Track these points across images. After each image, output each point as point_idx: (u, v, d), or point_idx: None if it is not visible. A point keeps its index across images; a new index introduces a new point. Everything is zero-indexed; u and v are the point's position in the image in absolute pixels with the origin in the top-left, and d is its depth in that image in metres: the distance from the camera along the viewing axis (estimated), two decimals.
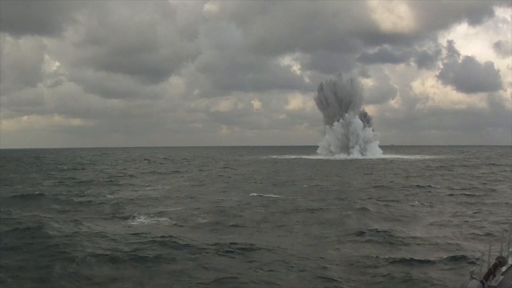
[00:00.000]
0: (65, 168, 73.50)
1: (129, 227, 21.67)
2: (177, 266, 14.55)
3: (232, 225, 21.91)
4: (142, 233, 19.01)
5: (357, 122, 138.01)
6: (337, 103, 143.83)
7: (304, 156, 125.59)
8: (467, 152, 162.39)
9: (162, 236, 17.95)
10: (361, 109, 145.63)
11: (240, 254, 16.08)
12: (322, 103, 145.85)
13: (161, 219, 23.58)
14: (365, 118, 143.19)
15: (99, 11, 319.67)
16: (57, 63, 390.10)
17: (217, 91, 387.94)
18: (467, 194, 32.84)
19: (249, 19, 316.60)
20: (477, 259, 6.80)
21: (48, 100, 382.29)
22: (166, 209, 26.71)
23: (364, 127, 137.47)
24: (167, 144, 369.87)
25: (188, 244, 16.98)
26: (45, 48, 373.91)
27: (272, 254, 16.12)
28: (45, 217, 23.09)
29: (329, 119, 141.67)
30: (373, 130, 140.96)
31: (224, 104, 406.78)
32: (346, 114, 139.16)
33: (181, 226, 21.87)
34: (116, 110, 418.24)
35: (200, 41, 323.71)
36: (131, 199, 31.52)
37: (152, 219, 23.64)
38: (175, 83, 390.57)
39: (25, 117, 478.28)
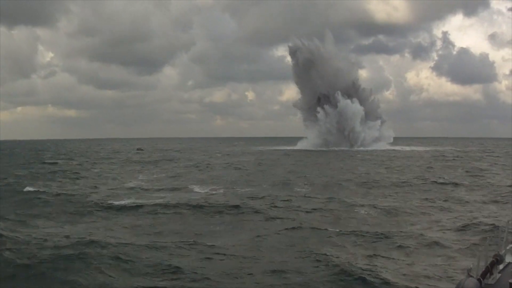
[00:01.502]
0: (49, 158, 71.42)
1: (86, 223, 19.79)
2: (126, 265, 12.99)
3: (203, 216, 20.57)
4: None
5: (356, 109, 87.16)
6: (319, 79, 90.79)
7: (297, 148, 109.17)
8: (457, 144, 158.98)
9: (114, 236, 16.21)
10: (359, 88, 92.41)
11: (205, 249, 14.89)
12: (299, 77, 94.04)
13: (125, 212, 21.97)
14: (367, 103, 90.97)
15: (93, 1, 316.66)
16: (51, 54, 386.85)
17: (211, 81, 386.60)
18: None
19: (243, 10, 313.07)
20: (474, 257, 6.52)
21: (42, 91, 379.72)
22: (136, 201, 25.14)
23: (366, 119, 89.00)
24: (161, 135, 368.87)
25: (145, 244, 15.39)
26: (39, 38, 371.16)
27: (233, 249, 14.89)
28: None
29: (309, 106, 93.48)
30: (380, 124, 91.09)
31: (218, 95, 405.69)
32: (337, 95, 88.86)
33: (140, 220, 20.23)
34: (110, 101, 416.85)
35: (194, 32, 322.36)
36: (109, 193, 29.48)
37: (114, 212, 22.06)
38: (169, 74, 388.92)
39: (19, 108, 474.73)
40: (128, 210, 22.46)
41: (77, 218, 20.83)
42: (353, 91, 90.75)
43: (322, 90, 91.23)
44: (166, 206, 23.14)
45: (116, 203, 24.31)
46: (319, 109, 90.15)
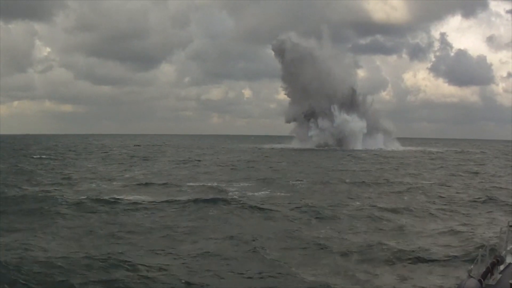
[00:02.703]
0: (36, 152, 69.76)
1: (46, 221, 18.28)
2: None
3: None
4: None
5: (357, 128, 74.62)
6: (311, 85, 75.04)
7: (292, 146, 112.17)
8: (450, 144, 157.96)
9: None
10: (359, 97, 78.43)
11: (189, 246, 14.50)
12: (287, 81, 78.57)
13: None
14: (367, 115, 77.32)
15: None
16: (48, 49, 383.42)
17: (208, 79, 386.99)
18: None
19: (241, 8, 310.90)
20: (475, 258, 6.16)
21: (38, 86, 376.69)
22: (126, 197, 24.06)
23: (367, 133, 76.35)
24: (157, 132, 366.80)
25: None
26: (36, 33, 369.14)
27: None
28: None
29: (300, 115, 78.07)
30: (385, 137, 78.64)
31: (215, 93, 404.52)
32: (333, 109, 75.00)
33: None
34: (106, 97, 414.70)
35: (191, 29, 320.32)
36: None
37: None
38: (166, 71, 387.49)
39: (15, 103, 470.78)
40: (114, 207, 21.30)
41: (42, 216, 19.31)
42: (350, 101, 77.53)
43: (314, 103, 76.65)
44: (157, 201, 22.51)
45: (106, 198, 23.37)
46: (312, 122, 77.10)
